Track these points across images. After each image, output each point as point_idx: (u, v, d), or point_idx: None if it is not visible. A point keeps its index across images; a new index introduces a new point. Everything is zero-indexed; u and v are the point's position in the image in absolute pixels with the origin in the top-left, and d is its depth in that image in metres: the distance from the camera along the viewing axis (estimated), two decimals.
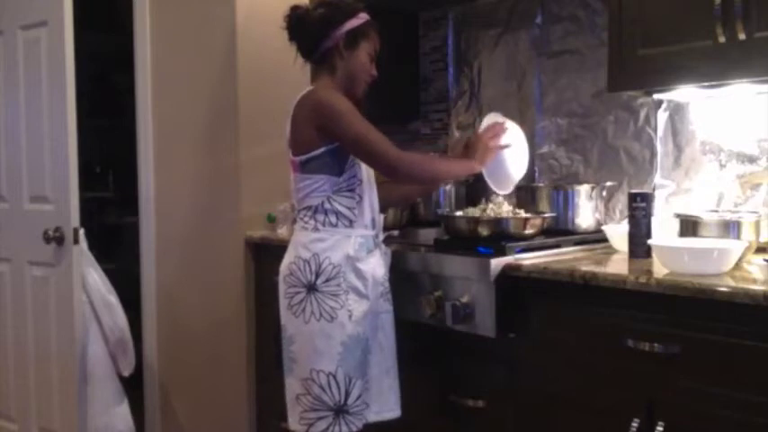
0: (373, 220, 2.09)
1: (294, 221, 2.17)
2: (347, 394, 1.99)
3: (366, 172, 2.07)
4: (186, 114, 3.25)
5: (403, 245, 2.35)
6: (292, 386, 2.05)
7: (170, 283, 3.36)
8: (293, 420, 2.05)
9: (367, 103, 2.16)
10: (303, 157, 2.01)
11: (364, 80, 2.12)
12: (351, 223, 2.03)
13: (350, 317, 2.00)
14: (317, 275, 2.00)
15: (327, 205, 2.02)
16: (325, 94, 2.02)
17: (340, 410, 1.98)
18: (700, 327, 1.68)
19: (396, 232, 2.45)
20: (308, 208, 2.04)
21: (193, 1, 3.23)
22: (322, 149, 1.99)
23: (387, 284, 2.12)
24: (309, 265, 2.00)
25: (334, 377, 1.98)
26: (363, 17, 2.09)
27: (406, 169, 2.03)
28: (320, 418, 1.99)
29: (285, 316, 2.06)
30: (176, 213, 3.32)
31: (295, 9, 2.10)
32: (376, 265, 2.07)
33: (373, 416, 2.06)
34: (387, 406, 2.10)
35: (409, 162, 2.04)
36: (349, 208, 2.03)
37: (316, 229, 2.03)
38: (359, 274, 2.02)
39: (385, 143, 1.99)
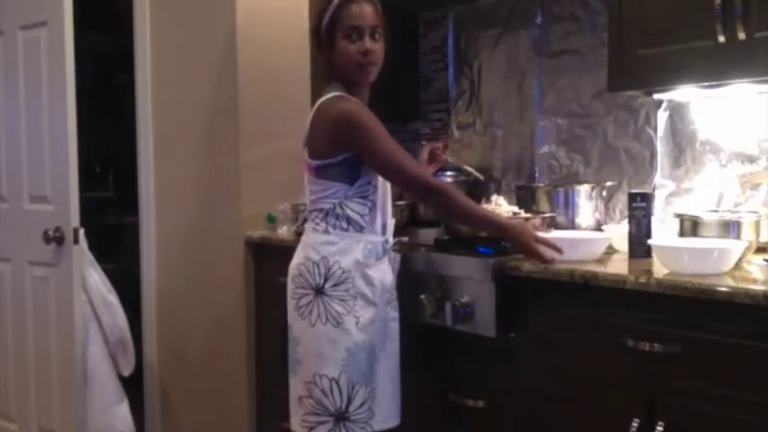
0: (384, 226, 2.06)
1: (305, 221, 2.15)
2: (349, 401, 1.96)
3: (381, 178, 2.03)
4: (186, 114, 3.25)
5: (403, 245, 2.34)
6: (296, 387, 2.04)
7: (170, 283, 3.36)
8: (295, 422, 2.04)
9: (367, 102, 2.15)
10: (319, 163, 1.98)
11: (354, 63, 1.98)
12: (361, 229, 2.00)
13: (356, 323, 1.97)
14: (326, 279, 1.98)
15: (339, 210, 1.99)
16: (351, 109, 1.95)
17: (341, 417, 1.96)
18: (700, 327, 1.68)
19: (405, 238, 2.37)
20: (320, 210, 2.02)
21: (193, 1, 3.24)
22: (340, 158, 1.96)
23: (394, 292, 2.10)
24: (319, 268, 1.99)
25: (337, 383, 1.96)
26: (333, 6, 1.99)
27: (439, 199, 1.98)
28: (321, 423, 1.98)
29: (292, 316, 2.05)
30: (176, 213, 3.32)
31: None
32: (385, 272, 2.05)
33: (378, 425, 2.02)
34: (390, 414, 2.06)
35: (447, 197, 1.97)
36: (360, 215, 2.00)
37: (326, 232, 2.01)
38: (368, 281, 1.99)
39: (416, 167, 1.96)
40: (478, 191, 2.68)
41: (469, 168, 2.49)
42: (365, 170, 1.98)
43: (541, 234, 1.97)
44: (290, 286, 2.06)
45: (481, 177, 2.50)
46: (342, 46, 1.99)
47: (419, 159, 2.33)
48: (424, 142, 2.43)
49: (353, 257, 1.99)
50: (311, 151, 2.01)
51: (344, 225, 2.00)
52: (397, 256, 2.14)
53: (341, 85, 2.03)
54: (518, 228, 1.97)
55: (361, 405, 1.97)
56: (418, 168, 1.97)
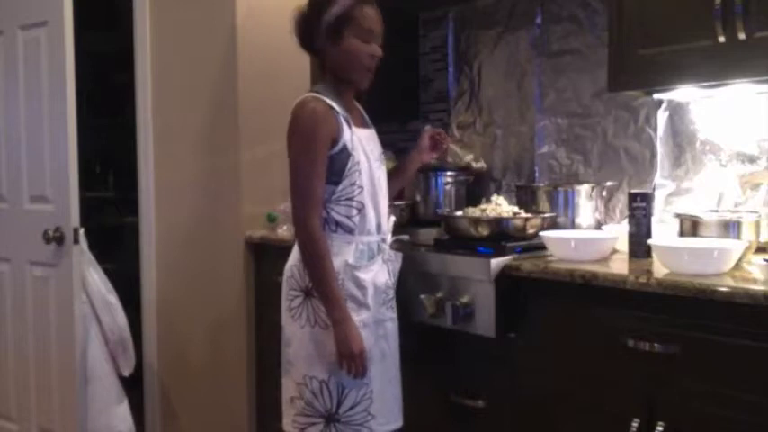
0: (378, 226, 2.04)
1: None
2: (339, 403, 1.96)
3: (369, 177, 2.00)
4: (186, 114, 3.25)
5: (403, 243, 2.34)
6: (288, 388, 2.04)
7: (170, 283, 3.36)
8: (287, 422, 2.04)
9: (367, 102, 2.15)
10: None
11: (362, 66, 1.99)
12: (351, 231, 1.99)
13: None
14: None
15: (324, 213, 1.97)
16: (299, 113, 1.95)
17: (331, 418, 1.96)
18: (700, 327, 1.68)
19: (406, 237, 2.36)
20: None
21: (193, 1, 3.24)
22: None
23: (390, 292, 2.08)
24: None
25: (327, 385, 1.95)
26: (346, 2, 1.96)
27: (304, 243, 1.94)
28: (312, 424, 1.97)
29: (284, 318, 2.05)
30: (176, 213, 3.32)
31: (297, 10, 2.05)
32: (378, 273, 2.03)
33: (379, 427, 2.00)
34: (392, 416, 2.05)
35: (313, 244, 1.91)
36: (347, 217, 1.98)
37: None
38: (357, 283, 1.98)
39: (310, 203, 1.92)
40: (479, 187, 2.67)
41: (468, 159, 2.47)
42: (348, 171, 1.96)
43: (358, 349, 1.91)
44: (284, 287, 2.06)
45: (483, 166, 2.48)
46: (353, 44, 1.97)
47: (420, 145, 2.30)
48: (427, 127, 2.40)
49: (343, 259, 1.97)
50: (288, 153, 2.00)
51: (333, 227, 1.98)
52: (399, 255, 2.13)
53: (329, 83, 2.02)
54: (343, 333, 1.90)
55: (353, 407, 1.96)
56: (312, 204, 1.92)
